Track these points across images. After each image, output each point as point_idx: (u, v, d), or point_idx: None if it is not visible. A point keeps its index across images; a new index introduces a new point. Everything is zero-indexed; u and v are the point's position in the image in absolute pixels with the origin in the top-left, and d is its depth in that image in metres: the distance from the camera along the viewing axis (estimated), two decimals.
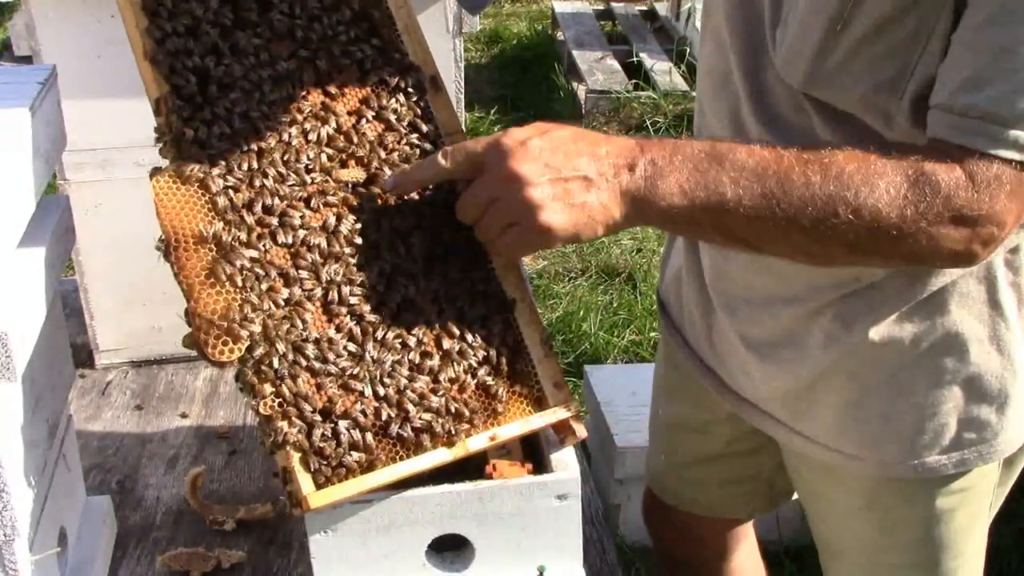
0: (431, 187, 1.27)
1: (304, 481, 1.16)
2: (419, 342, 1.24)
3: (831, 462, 1.42)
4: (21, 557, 1.28)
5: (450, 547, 1.30)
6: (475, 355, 1.25)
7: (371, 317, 1.23)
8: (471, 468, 1.30)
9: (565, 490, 1.27)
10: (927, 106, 1.14)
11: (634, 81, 5.35)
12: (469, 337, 1.25)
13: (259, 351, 1.17)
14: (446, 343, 1.24)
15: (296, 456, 1.16)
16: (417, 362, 1.23)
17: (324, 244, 1.23)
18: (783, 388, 1.42)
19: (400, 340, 1.23)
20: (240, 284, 1.18)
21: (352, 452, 1.17)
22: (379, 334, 1.22)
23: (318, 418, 1.17)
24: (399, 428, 1.19)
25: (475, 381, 1.24)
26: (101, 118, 1.96)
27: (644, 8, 6.66)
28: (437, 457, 1.22)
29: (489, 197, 1.13)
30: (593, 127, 5.04)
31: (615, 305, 3.79)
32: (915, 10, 1.11)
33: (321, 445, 1.16)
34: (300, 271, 1.22)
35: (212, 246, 1.19)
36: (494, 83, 5.79)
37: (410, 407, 1.20)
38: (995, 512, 1.48)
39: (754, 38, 1.28)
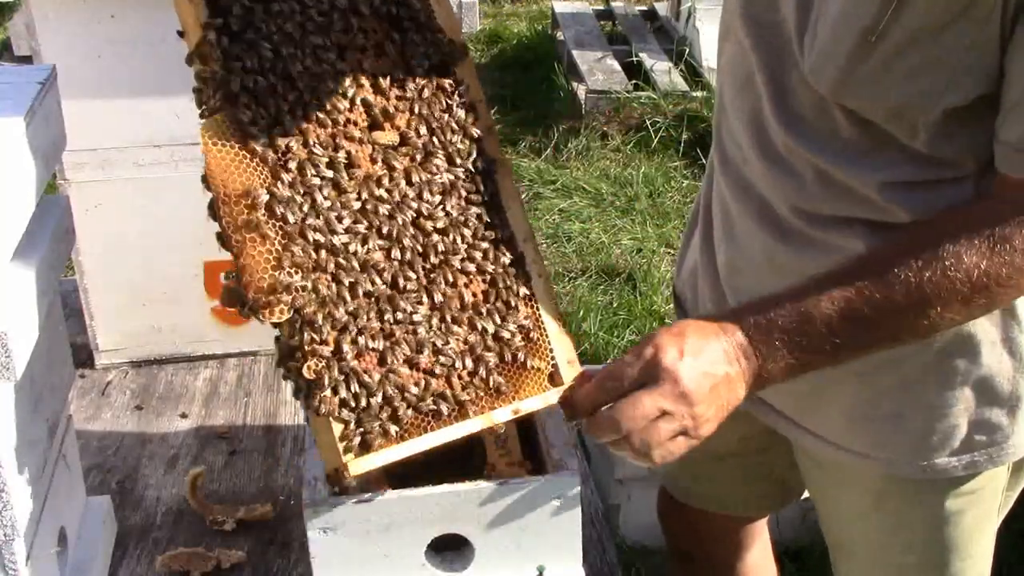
0: (460, 160, 1.30)
1: (343, 448, 1.17)
2: (449, 313, 1.24)
3: (840, 461, 1.42)
4: (21, 557, 1.28)
5: (450, 547, 1.30)
6: (499, 331, 1.26)
7: (407, 285, 1.23)
8: (471, 468, 1.31)
9: (565, 490, 1.28)
10: (958, 119, 1.16)
11: (634, 81, 5.34)
12: (494, 311, 1.27)
13: (310, 308, 1.17)
14: (473, 318, 1.25)
15: (336, 423, 1.17)
16: (449, 333, 1.24)
17: (360, 209, 1.23)
18: (794, 386, 1.42)
19: (430, 309, 1.24)
20: (289, 242, 1.18)
21: (390, 422, 1.18)
22: (411, 304, 1.23)
23: (358, 387, 1.18)
24: (434, 401, 1.20)
25: (499, 357, 1.25)
26: (101, 118, 1.97)
27: (644, 8, 6.66)
28: (464, 428, 1.22)
29: (661, 410, 1.18)
30: (593, 127, 5.04)
31: (615, 305, 3.78)
32: (955, 26, 1.11)
33: (361, 413, 1.17)
34: (343, 235, 1.22)
35: (262, 204, 1.18)
36: (494, 83, 5.78)
37: (454, 379, 1.22)
38: (1004, 515, 1.47)
39: (777, 40, 1.27)
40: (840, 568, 1.58)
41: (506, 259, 1.29)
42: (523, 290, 1.29)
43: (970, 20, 1.10)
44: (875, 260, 1.19)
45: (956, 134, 1.18)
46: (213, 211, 1.19)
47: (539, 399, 1.27)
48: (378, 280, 1.22)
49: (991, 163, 1.19)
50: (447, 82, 1.32)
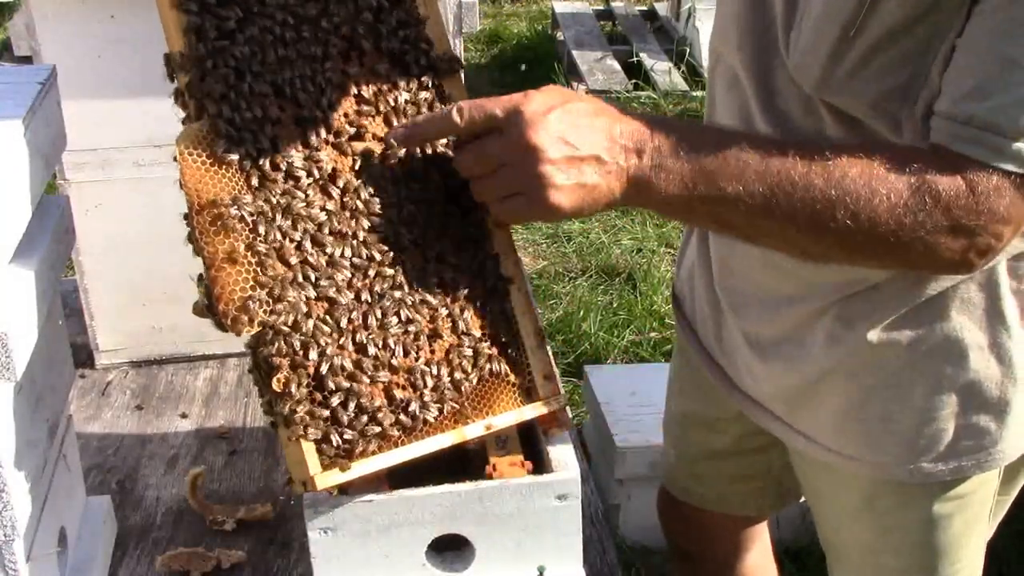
0: (433, 160, 1.27)
1: (311, 461, 1.16)
2: (419, 327, 1.24)
3: (831, 462, 1.42)
4: (21, 557, 1.28)
5: (450, 547, 1.30)
6: (473, 343, 1.25)
7: (381, 298, 1.22)
8: (471, 468, 1.30)
9: (565, 490, 1.27)
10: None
11: (634, 81, 5.35)
12: (468, 323, 1.26)
13: (279, 320, 1.16)
14: (445, 329, 1.25)
15: (304, 437, 1.16)
16: (418, 347, 1.23)
17: (335, 220, 1.22)
18: (785, 387, 1.42)
19: (404, 323, 1.23)
20: (261, 255, 1.17)
21: (360, 435, 1.17)
22: (381, 315, 1.22)
23: (327, 400, 1.17)
24: (407, 413, 1.20)
25: (473, 369, 1.25)
26: (101, 118, 1.96)
27: (644, 8, 6.66)
28: (435, 443, 1.22)
29: (500, 160, 1.11)
30: None
31: (615, 305, 3.79)
32: (928, 19, 1.11)
33: (329, 426, 1.16)
34: (316, 246, 1.21)
35: (234, 216, 1.17)
36: (494, 83, 5.79)
37: (426, 393, 1.21)
38: (997, 520, 1.47)
39: (764, 39, 1.28)
40: (833, 569, 1.58)
41: (484, 271, 1.28)
42: (501, 304, 1.28)
43: (942, 11, 1.10)
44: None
45: None
46: (187, 219, 1.19)
47: (513, 414, 1.26)
48: (350, 292, 1.21)
49: None
50: (434, 93, 1.31)
